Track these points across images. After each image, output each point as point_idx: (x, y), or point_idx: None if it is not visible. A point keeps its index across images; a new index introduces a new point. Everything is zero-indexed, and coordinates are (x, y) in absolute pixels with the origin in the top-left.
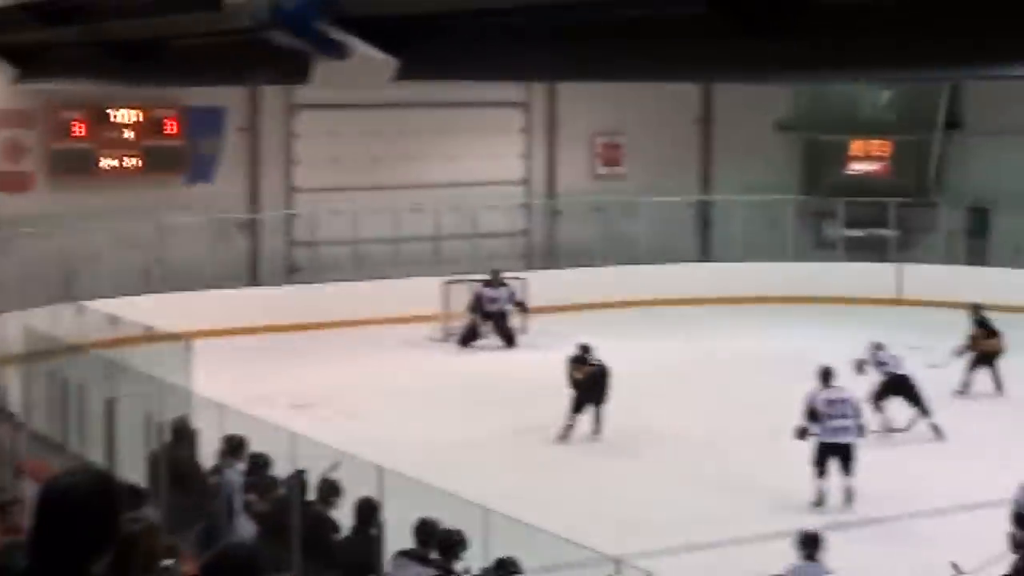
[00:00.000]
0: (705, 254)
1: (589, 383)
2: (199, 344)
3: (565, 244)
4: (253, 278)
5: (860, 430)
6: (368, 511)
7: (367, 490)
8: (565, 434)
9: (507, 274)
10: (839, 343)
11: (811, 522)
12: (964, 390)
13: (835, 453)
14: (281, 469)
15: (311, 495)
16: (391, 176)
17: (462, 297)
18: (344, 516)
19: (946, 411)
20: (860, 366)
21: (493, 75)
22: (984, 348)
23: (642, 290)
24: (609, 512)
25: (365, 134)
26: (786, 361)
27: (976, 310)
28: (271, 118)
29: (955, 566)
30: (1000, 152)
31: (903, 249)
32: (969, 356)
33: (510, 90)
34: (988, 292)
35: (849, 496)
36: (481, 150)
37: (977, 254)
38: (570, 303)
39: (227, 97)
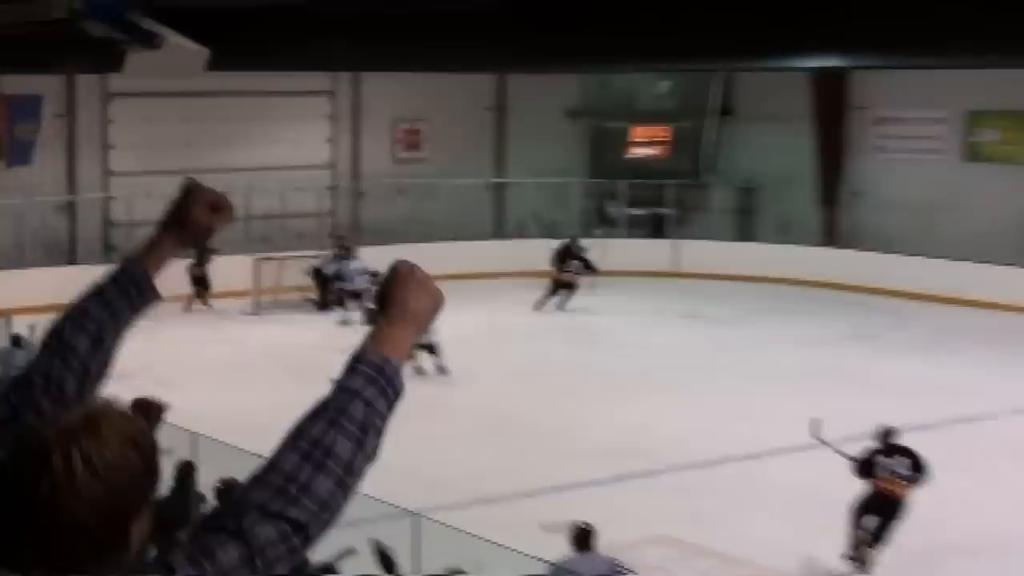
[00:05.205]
0: (499, 232)
1: None
2: (19, 320)
3: (369, 223)
4: (72, 258)
5: None
6: (185, 473)
7: (183, 454)
8: None
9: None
10: (621, 312)
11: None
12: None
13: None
14: None
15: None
16: (203, 160)
17: (272, 273)
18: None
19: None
20: None
21: (300, 65)
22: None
23: (440, 265)
24: (411, 469)
25: (179, 120)
26: (574, 329)
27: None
28: (87, 105)
29: None
30: (767, 137)
31: (679, 226)
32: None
33: (317, 79)
34: (757, 265)
35: (442, 370)
36: (289, 135)
37: (746, 231)
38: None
39: (45, 85)
